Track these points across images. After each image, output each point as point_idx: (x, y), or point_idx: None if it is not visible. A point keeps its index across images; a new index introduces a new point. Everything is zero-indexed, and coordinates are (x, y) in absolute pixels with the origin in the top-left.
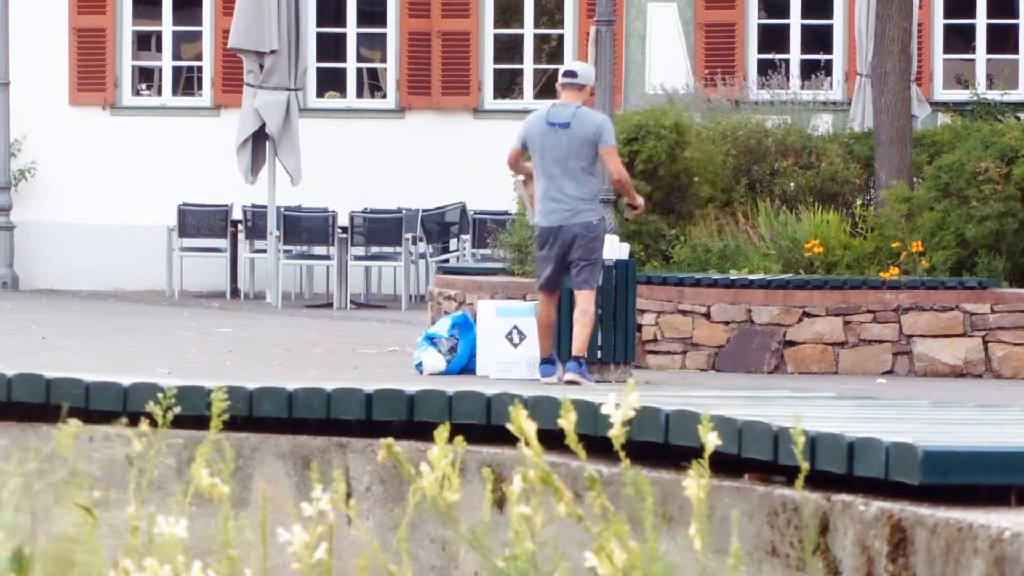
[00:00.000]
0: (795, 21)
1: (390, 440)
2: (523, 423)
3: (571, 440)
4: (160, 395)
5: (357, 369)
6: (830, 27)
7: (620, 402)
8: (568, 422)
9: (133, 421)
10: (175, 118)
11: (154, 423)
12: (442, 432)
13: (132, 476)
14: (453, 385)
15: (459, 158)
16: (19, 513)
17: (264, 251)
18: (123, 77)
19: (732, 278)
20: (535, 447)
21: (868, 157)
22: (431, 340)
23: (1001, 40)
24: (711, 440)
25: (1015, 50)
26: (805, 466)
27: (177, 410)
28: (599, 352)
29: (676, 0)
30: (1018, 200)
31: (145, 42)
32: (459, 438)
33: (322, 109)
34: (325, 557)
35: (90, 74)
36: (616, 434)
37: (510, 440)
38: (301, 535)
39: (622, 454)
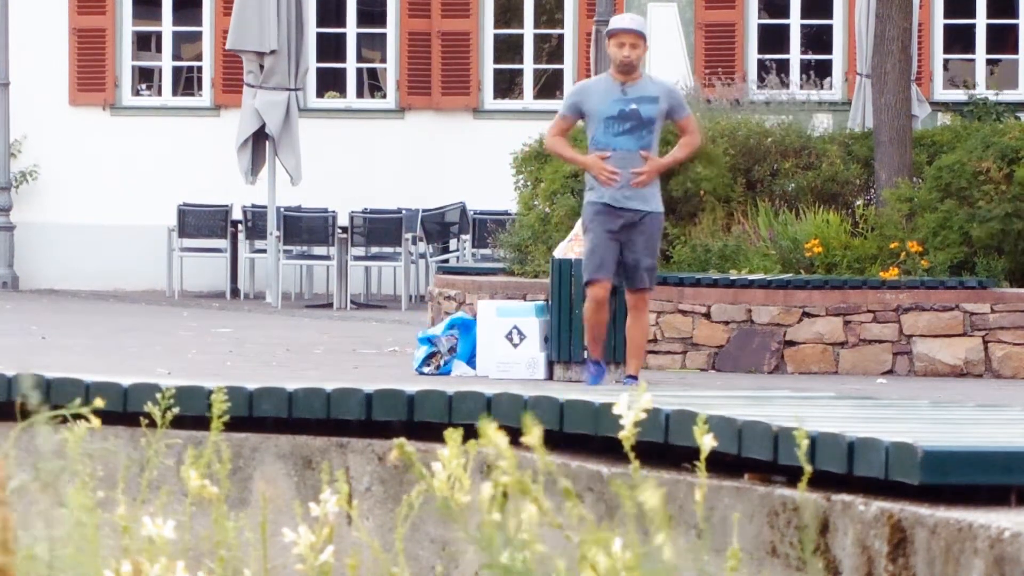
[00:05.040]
0: (795, 21)
1: (402, 440)
2: (492, 434)
3: (536, 447)
4: (158, 395)
5: (357, 369)
6: (830, 27)
7: (632, 402)
8: (534, 436)
9: (133, 421)
10: (175, 118)
11: (153, 423)
12: (453, 434)
13: (121, 476)
14: (453, 385)
15: (459, 158)
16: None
17: (264, 251)
18: (123, 77)
19: (732, 278)
20: (509, 455)
21: (868, 157)
22: (429, 340)
23: (1001, 40)
24: (707, 442)
25: (1015, 50)
26: (808, 468)
27: (176, 410)
28: None
29: (676, 0)
30: (1023, 200)
31: (145, 42)
32: (472, 441)
33: (322, 109)
34: (330, 559)
35: (90, 74)
36: (627, 435)
37: (511, 440)
38: (307, 536)
39: (632, 455)
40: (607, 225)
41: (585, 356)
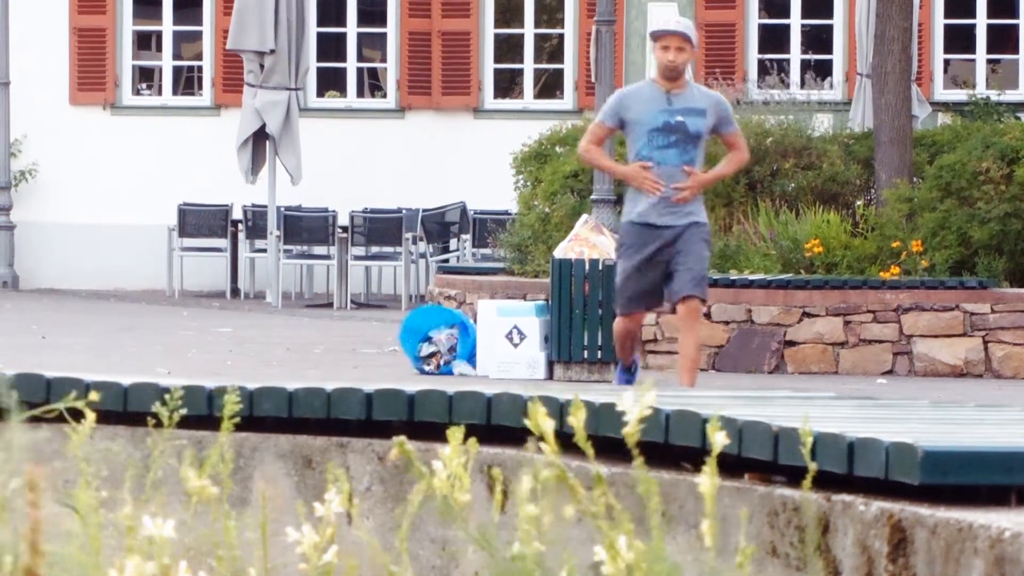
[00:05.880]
0: (795, 21)
1: (402, 438)
2: (540, 420)
3: (580, 438)
4: (167, 396)
5: (357, 369)
6: (830, 27)
7: (637, 399)
8: (578, 420)
9: (134, 421)
10: (175, 118)
11: (159, 423)
12: (455, 432)
13: (127, 476)
14: (453, 385)
15: (459, 158)
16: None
17: (264, 251)
18: (123, 77)
19: (732, 278)
20: (551, 443)
21: (868, 157)
22: (429, 339)
23: (1001, 40)
24: (719, 440)
25: (1015, 50)
26: (813, 466)
27: (183, 411)
28: (599, 352)
29: (676, 0)
30: (1022, 200)
31: (145, 42)
32: (472, 439)
33: (322, 109)
34: (333, 559)
35: (90, 74)
36: (631, 431)
37: (510, 440)
38: (311, 535)
39: (635, 452)
40: (645, 251)
41: (617, 364)
